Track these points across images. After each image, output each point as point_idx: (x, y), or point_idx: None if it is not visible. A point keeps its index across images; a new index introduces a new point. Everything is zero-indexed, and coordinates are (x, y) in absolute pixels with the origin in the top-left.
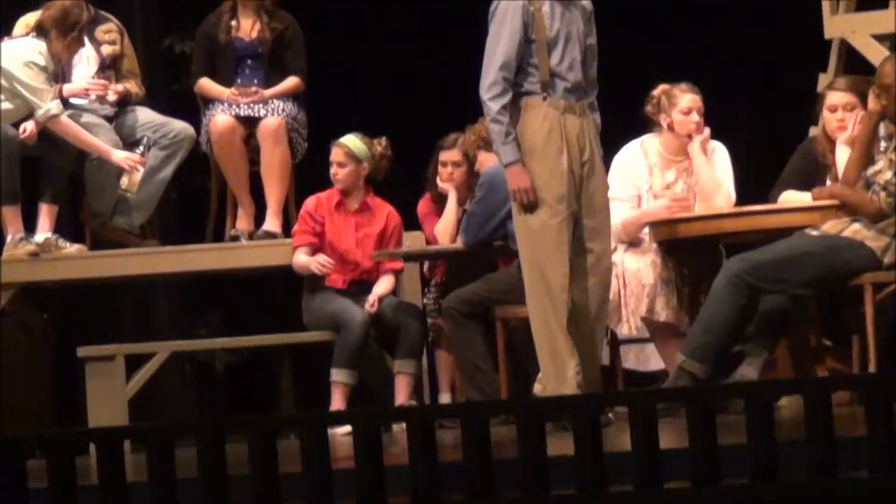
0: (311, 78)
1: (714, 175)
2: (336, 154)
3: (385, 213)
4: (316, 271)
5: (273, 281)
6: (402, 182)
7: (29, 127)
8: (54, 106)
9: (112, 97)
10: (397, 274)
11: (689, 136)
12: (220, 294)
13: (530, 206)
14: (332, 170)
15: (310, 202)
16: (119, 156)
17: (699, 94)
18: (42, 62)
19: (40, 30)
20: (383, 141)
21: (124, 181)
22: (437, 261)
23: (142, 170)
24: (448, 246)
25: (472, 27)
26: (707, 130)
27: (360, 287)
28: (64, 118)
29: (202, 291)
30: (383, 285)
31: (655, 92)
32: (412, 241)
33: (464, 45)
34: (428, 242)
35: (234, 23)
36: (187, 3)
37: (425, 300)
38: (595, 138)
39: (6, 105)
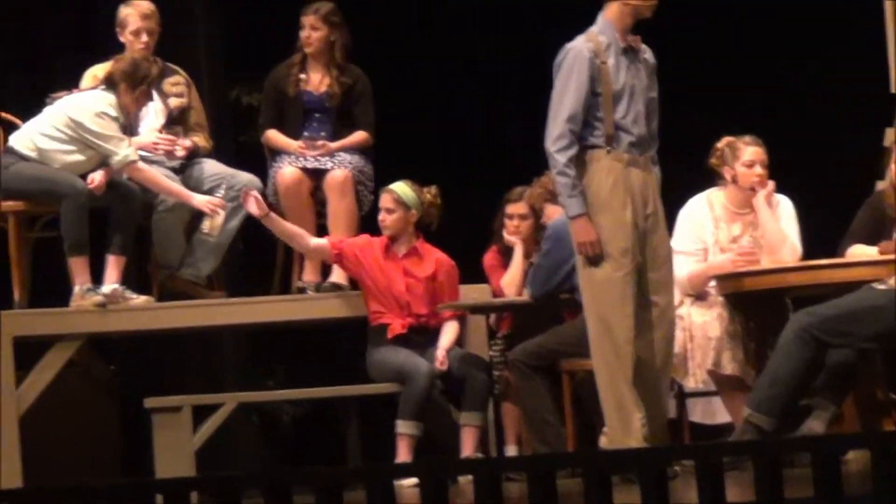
0: (378, 131)
1: (780, 228)
2: (385, 200)
3: (434, 258)
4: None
5: (340, 332)
6: (469, 235)
7: (97, 177)
8: (131, 152)
9: (180, 153)
10: (460, 319)
11: (753, 189)
12: (286, 345)
13: (595, 259)
14: (381, 216)
15: (363, 237)
16: (200, 199)
17: (763, 147)
18: (113, 113)
19: (109, 82)
20: (433, 189)
21: (206, 225)
22: (504, 313)
23: (223, 213)
24: (514, 298)
25: (539, 81)
26: (772, 184)
27: (423, 336)
28: (142, 164)
29: (269, 343)
30: (448, 336)
31: (719, 144)
32: (478, 293)
33: (530, 98)
34: (494, 295)
35: (303, 76)
36: (254, 55)
37: (491, 352)
38: (657, 192)
39: (77, 157)
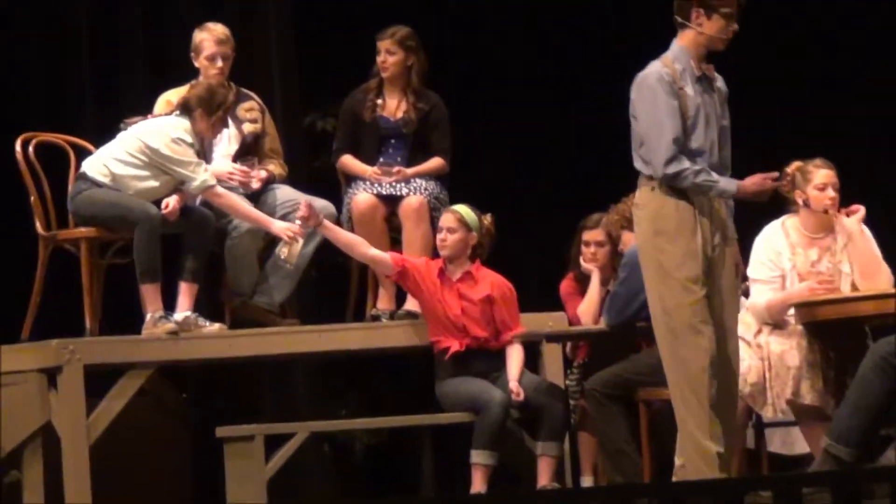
0: (454, 157)
1: (876, 254)
2: (447, 220)
3: (489, 281)
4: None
5: (414, 361)
6: (545, 262)
7: (171, 202)
8: (209, 177)
9: (255, 185)
10: (526, 343)
11: (826, 212)
12: (359, 374)
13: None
14: (441, 235)
15: (422, 259)
16: (279, 226)
17: (834, 170)
18: (189, 139)
19: (185, 108)
20: (489, 217)
21: (284, 251)
22: (580, 342)
23: (301, 240)
24: (591, 327)
25: (614, 106)
26: (862, 209)
27: (485, 362)
28: (220, 188)
29: (342, 371)
30: (515, 364)
31: (789, 169)
32: (554, 321)
33: (606, 124)
34: (570, 323)
35: (379, 101)
36: (329, 81)
37: (568, 381)
38: (727, 221)
39: (151, 183)
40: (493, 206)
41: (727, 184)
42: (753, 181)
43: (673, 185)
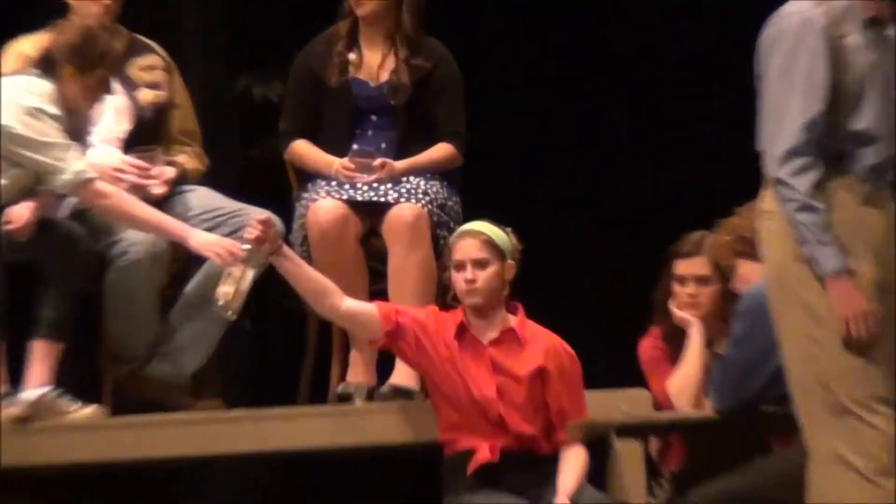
0: (472, 146)
1: None
2: (469, 248)
3: (543, 345)
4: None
5: (405, 465)
6: (615, 310)
7: (23, 213)
8: (86, 167)
9: (158, 190)
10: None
11: None
12: (322, 485)
13: (860, 344)
14: (467, 275)
15: (429, 309)
16: (202, 240)
17: None
18: (52, 110)
19: (46, 64)
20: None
21: (223, 292)
22: (673, 436)
23: (251, 272)
24: (689, 412)
25: (724, 85)
26: None
27: (528, 472)
28: (104, 185)
29: (293, 481)
30: (572, 468)
31: None
32: (631, 403)
33: (706, 108)
34: (657, 406)
35: (352, 56)
36: (272, 28)
37: (653, 500)
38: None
39: None
40: (531, 222)
41: (825, 259)
42: (853, 298)
43: (780, 195)
